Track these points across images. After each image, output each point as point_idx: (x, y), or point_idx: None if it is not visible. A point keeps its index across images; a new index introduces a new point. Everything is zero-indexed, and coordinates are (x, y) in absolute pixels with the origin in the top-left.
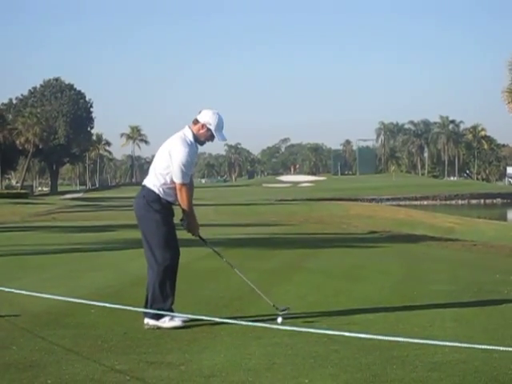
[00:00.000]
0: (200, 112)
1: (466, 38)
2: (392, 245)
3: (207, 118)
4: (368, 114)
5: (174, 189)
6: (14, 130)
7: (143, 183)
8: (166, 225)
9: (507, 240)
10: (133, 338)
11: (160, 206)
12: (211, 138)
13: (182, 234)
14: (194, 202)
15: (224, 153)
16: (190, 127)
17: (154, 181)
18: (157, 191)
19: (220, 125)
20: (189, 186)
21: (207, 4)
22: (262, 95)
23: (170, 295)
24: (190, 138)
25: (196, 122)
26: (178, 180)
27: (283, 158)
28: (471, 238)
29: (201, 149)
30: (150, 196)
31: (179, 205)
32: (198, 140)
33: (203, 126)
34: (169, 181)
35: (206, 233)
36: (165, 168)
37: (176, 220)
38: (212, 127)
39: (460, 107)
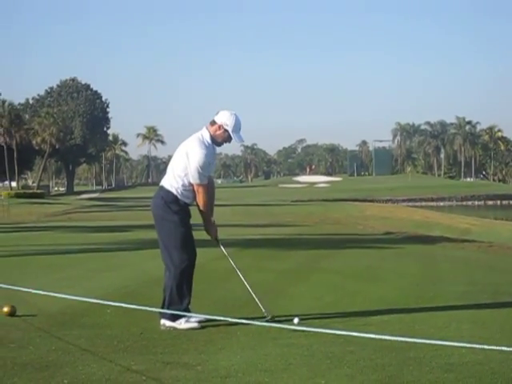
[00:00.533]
0: (217, 113)
1: (484, 39)
2: (408, 246)
3: (224, 119)
4: (384, 115)
5: (192, 191)
6: (31, 130)
7: (161, 184)
8: (184, 226)
9: None
10: (149, 338)
11: (178, 207)
12: (228, 139)
13: (198, 235)
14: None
15: (240, 153)
16: (207, 128)
17: (172, 182)
18: (175, 192)
19: (237, 126)
20: (207, 187)
21: (225, 2)
22: (279, 96)
23: (186, 296)
24: (208, 139)
25: (213, 123)
26: (195, 181)
27: (299, 159)
28: (487, 239)
29: (217, 149)
30: (168, 197)
31: (197, 206)
32: (216, 141)
33: (220, 126)
34: (187, 183)
35: (222, 233)
36: (183, 170)
37: (194, 220)
38: (229, 128)
39: (476, 108)
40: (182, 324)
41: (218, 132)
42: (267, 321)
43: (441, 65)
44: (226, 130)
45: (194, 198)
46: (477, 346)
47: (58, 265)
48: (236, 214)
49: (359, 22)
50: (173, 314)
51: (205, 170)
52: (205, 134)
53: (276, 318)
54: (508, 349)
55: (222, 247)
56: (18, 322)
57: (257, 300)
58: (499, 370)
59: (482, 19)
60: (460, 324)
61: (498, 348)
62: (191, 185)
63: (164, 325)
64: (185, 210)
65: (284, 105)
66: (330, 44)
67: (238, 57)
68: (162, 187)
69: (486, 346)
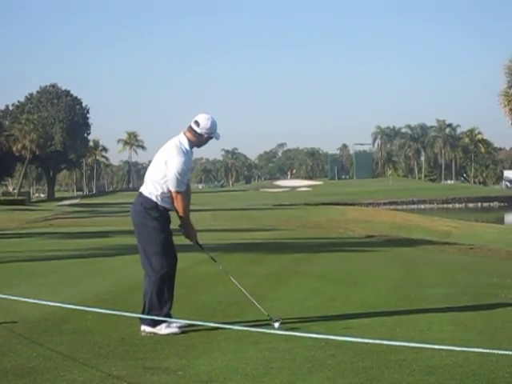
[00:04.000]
0: (196, 121)
1: (463, 42)
2: (389, 249)
3: (204, 128)
4: (365, 118)
5: (171, 197)
6: (11, 136)
7: (140, 190)
8: (163, 232)
9: (504, 243)
10: (130, 343)
11: (158, 214)
12: (206, 141)
13: (179, 240)
14: (191, 207)
15: (221, 158)
16: (184, 134)
17: (150, 189)
18: (154, 199)
19: (214, 127)
20: (185, 193)
21: (203, 7)
22: (259, 100)
23: (167, 302)
24: (186, 145)
25: (192, 131)
26: (173, 188)
27: (280, 163)
28: (468, 242)
29: (198, 154)
30: (147, 203)
31: (176, 211)
32: (195, 144)
33: (197, 131)
34: (166, 189)
35: (203, 238)
36: (162, 177)
37: (174, 226)
38: (212, 134)
39: (457, 111)
40: (162, 329)
41: (196, 137)
42: (275, 322)
43: (421, 68)
44: (203, 134)
45: (172, 202)
46: (457, 348)
47: (39, 271)
48: (217, 218)
49: (338, 25)
50: (153, 320)
51: (184, 177)
52: (182, 140)
53: (257, 323)
54: (488, 351)
55: (205, 251)
56: None
57: (257, 304)
58: (480, 371)
59: (465, 20)
60: (441, 326)
61: (478, 350)
62: (170, 191)
63: (144, 331)
64: (164, 215)
65: (264, 109)
66: (309, 48)
67: (218, 62)
68: (141, 194)
69: (466, 348)
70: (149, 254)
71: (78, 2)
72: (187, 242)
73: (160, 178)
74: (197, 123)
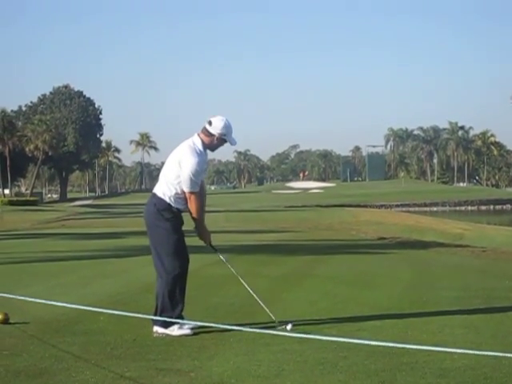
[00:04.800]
0: (209, 121)
1: (476, 44)
2: (401, 251)
3: (219, 129)
4: (377, 121)
5: (185, 198)
6: (24, 137)
7: (153, 191)
8: (176, 233)
9: None
10: (142, 344)
11: (171, 215)
12: (221, 144)
13: (191, 241)
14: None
15: (233, 159)
16: (198, 135)
17: (164, 189)
18: (167, 200)
19: (229, 130)
20: (199, 194)
21: (217, 7)
22: (272, 102)
23: (179, 303)
24: (199, 146)
25: (207, 132)
26: (187, 189)
27: (292, 165)
28: (481, 245)
29: (210, 155)
30: (160, 204)
31: (190, 212)
32: (209, 147)
33: (212, 133)
34: (179, 190)
35: (216, 239)
36: (175, 178)
37: (187, 227)
38: (221, 134)
39: (469, 113)
40: (174, 331)
41: (210, 138)
42: (275, 326)
43: (433, 70)
44: (217, 136)
45: (187, 204)
46: (469, 351)
47: (51, 272)
48: (230, 220)
49: (352, 27)
50: (165, 321)
51: (197, 177)
52: (196, 141)
53: (269, 325)
54: (500, 354)
55: (219, 254)
56: (11, 329)
57: (263, 306)
58: (492, 375)
59: (476, 23)
60: (453, 329)
61: (490, 353)
62: (184, 192)
63: (156, 332)
64: (177, 216)
65: (277, 111)
66: (323, 49)
67: (232, 63)
68: (155, 195)
69: (478, 352)
70: (161, 255)
71: (91, 3)
72: (199, 243)
73: (173, 179)
74: (210, 123)
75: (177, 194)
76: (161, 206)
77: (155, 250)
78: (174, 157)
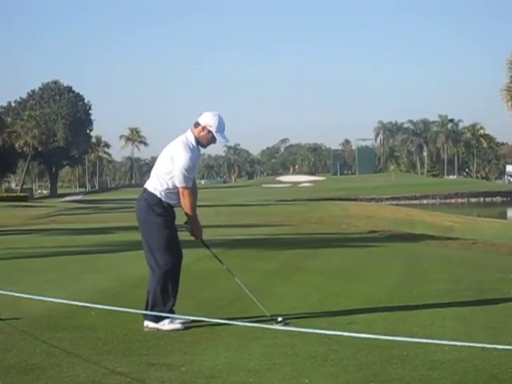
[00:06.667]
0: (201, 115)
1: (465, 37)
2: (392, 244)
3: (207, 120)
4: (367, 114)
5: (177, 193)
6: (13, 133)
7: (144, 186)
8: (168, 228)
9: (507, 238)
10: (133, 339)
11: (162, 210)
12: (213, 140)
13: (183, 236)
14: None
15: (223, 154)
16: (191, 130)
17: (155, 184)
18: (158, 195)
19: (221, 126)
20: (192, 189)
21: (205, 4)
22: (261, 95)
23: (170, 298)
24: (193, 141)
25: (197, 124)
26: (180, 184)
27: (282, 159)
28: (471, 237)
29: (201, 150)
30: (151, 199)
31: (182, 208)
32: (201, 143)
33: (204, 128)
34: (171, 185)
35: (206, 234)
36: (167, 173)
37: (179, 222)
38: (213, 129)
39: (459, 106)
40: (165, 325)
41: (202, 133)
42: (277, 323)
43: (422, 63)
44: (209, 131)
45: (179, 200)
46: (460, 343)
47: (41, 268)
48: (220, 214)
49: (342, 20)
50: (156, 316)
51: (190, 172)
52: (189, 137)
53: (260, 319)
54: (491, 346)
55: (210, 249)
56: (1, 325)
57: (255, 300)
58: (482, 366)
59: (463, 14)
60: (443, 321)
61: (481, 345)
62: (176, 187)
63: (147, 326)
64: (169, 211)
65: (267, 104)
66: (313, 43)
67: (221, 57)
68: (146, 189)
69: (469, 343)
70: (153, 249)
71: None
72: (190, 237)
73: (165, 174)
74: (200, 115)
75: (168, 188)
76: (152, 201)
77: (147, 245)
78: (167, 152)
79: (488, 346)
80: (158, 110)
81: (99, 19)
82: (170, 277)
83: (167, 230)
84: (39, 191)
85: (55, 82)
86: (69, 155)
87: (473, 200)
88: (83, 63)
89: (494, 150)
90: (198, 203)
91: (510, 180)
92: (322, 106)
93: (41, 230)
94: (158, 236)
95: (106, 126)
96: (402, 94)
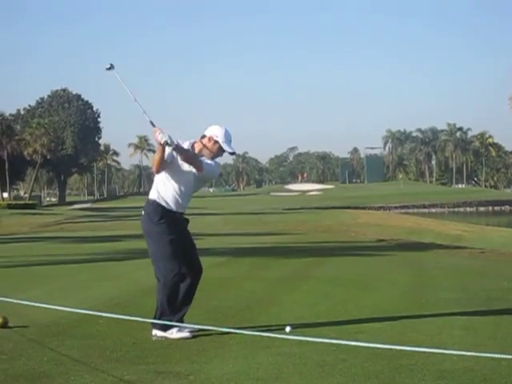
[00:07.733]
0: (207, 128)
1: (474, 46)
2: (400, 253)
3: (214, 131)
4: (375, 122)
5: (171, 188)
6: (22, 140)
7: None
8: (168, 236)
9: None
10: (141, 348)
11: (158, 217)
12: (220, 151)
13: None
14: (202, 211)
15: (232, 162)
16: (198, 142)
17: (153, 191)
18: (156, 199)
19: (227, 138)
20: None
21: (215, 8)
22: (270, 104)
23: (179, 307)
24: (195, 151)
25: (203, 136)
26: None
27: (291, 167)
28: (479, 246)
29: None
30: (148, 207)
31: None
32: (207, 156)
33: (210, 138)
34: (166, 181)
35: (215, 242)
36: (164, 174)
37: (192, 230)
38: (220, 139)
39: (467, 114)
40: (173, 334)
41: (209, 144)
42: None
43: (431, 72)
44: (216, 141)
45: (175, 199)
46: (468, 352)
47: (50, 275)
48: (228, 222)
49: (350, 30)
50: (164, 324)
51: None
52: (195, 145)
53: (268, 327)
54: (499, 355)
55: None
56: (9, 333)
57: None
58: (491, 376)
59: (475, 24)
60: (452, 331)
61: (489, 355)
62: (170, 184)
63: (156, 335)
64: (167, 218)
65: (275, 113)
66: (321, 51)
67: (230, 65)
68: (147, 200)
69: (477, 353)
70: (157, 259)
71: (89, 6)
72: (200, 245)
73: (162, 175)
74: (208, 129)
75: (164, 185)
76: (149, 209)
77: (152, 255)
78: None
79: (496, 355)
80: (166, 117)
81: (108, 27)
82: (176, 285)
83: (168, 238)
84: (48, 199)
85: (64, 90)
86: (77, 163)
87: (481, 209)
88: (92, 71)
89: (503, 158)
90: (207, 211)
91: None
92: (330, 115)
93: (49, 237)
94: (159, 244)
95: (115, 133)
96: (411, 102)
